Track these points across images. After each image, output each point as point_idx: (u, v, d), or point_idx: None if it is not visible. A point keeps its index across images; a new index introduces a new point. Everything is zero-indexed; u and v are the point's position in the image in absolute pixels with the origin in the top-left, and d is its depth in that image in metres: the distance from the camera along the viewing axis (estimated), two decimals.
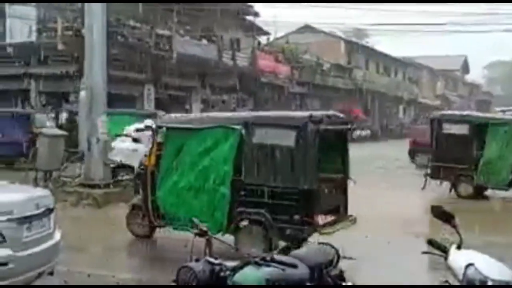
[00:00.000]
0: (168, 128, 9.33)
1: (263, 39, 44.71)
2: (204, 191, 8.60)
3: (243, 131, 8.52)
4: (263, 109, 40.40)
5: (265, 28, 41.84)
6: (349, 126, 9.57)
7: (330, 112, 9.66)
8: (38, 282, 6.52)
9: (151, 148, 9.48)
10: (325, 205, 8.63)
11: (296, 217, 8.14)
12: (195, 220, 4.64)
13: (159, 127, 9.55)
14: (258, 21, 38.78)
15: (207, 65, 32.00)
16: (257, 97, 39.51)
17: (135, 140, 15.78)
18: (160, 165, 9.09)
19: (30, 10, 25.16)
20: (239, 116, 9.81)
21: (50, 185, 13.62)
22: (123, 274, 7.97)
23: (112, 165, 14.17)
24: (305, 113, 8.97)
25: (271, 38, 47.29)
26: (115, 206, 13.06)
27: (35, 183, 13.76)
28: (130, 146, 15.68)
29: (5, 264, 5.85)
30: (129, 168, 14.59)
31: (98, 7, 14.27)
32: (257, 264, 4.19)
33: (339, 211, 9.08)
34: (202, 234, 4.46)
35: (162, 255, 9.21)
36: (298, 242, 5.21)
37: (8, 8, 25.38)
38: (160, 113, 17.80)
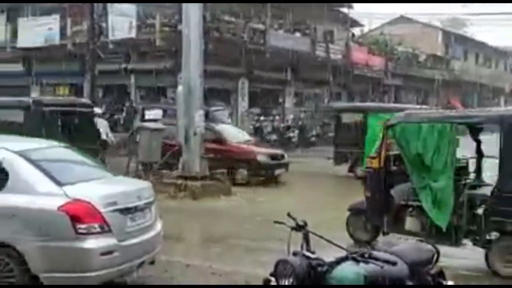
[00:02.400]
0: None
1: (357, 31, 44.17)
2: None
3: None
4: (357, 101, 40.13)
5: (359, 20, 41.27)
6: None
7: None
8: (140, 271, 6.81)
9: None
10: None
11: None
12: (290, 216, 4.66)
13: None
14: (352, 13, 38.32)
15: (300, 58, 31.95)
16: (350, 90, 39.09)
17: None
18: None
19: (130, 8, 26.06)
20: None
21: (150, 176, 14.10)
22: (220, 264, 8.14)
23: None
24: None
25: (365, 29, 46.59)
26: (211, 198, 13.42)
27: (136, 175, 14.31)
28: None
29: (110, 252, 6.14)
30: None
31: (194, 4, 14.59)
32: (355, 260, 4.17)
33: None
34: (299, 228, 4.49)
35: (259, 246, 9.31)
36: None
37: (110, 6, 26.40)
38: None
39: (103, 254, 6.09)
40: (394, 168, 9.08)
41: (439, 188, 8.24)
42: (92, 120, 13.85)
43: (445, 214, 8.15)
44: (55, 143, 7.45)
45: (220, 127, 18.26)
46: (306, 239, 4.42)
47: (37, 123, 11.89)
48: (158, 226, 7.09)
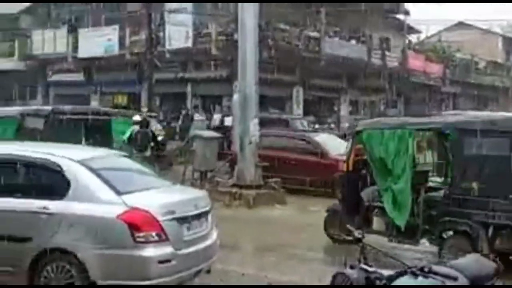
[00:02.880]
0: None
1: (413, 38, 43.52)
2: None
3: None
4: (413, 109, 39.50)
5: (416, 26, 40.64)
6: None
7: None
8: (196, 280, 6.86)
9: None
10: None
11: None
12: (349, 227, 4.62)
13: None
14: (408, 19, 37.77)
15: (356, 65, 31.71)
16: (407, 97, 38.52)
17: None
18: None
19: (187, 18, 26.45)
20: None
21: (206, 185, 14.23)
22: (275, 274, 8.12)
23: None
24: None
25: (422, 36, 45.85)
26: (266, 207, 13.41)
27: (192, 183, 14.47)
28: None
29: (168, 261, 6.22)
30: None
31: (250, 13, 14.68)
32: (414, 274, 4.08)
33: None
34: (356, 241, 4.44)
35: (314, 257, 9.25)
36: None
37: (167, 16, 26.87)
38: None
39: (160, 262, 6.17)
40: (364, 171, 9.58)
41: (398, 190, 8.79)
42: (108, 127, 14.32)
43: (404, 215, 8.75)
44: (114, 152, 7.61)
45: (319, 137, 16.34)
46: (363, 252, 4.36)
47: (55, 130, 12.52)
48: (214, 235, 7.14)
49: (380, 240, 8.81)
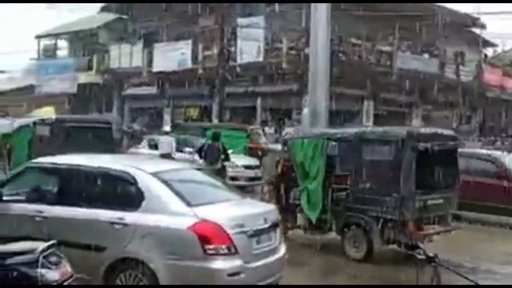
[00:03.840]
0: None
1: (489, 52, 42.26)
2: None
3: None
4: (488, 125, 38.31)
5: (491, 40, 39.48)
6: None
7: None
8: None
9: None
10: None
11: None
12: (421, 245, 4.54)
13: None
14: (484, 33, 36.75)
15: (428, 80, 31.10)
16: (482, 112, 37.42)
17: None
18: None
19: (258, 32, 26.70)
20: None
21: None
22: None
23: None
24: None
25: (498, 50, 44.45)
26: None
27: (263, 197, 14.56)
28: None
29: (237, 274, 6.28)
30: None
31: (322, 27, 14.73)
32: None
33: None
34: (429, 260, 4.36)
35: (385, 274, 9.08)
36: None
37: (239, 31, 27.22)
38: None
39: (230, 275, 6.24)
40: (293, 174, 10.96)
41: (312, 190, 10.33)
42: (109, 135, 15.11)
43: (316, 211, 10.32)
44: (187, 165, 7.77)
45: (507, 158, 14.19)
46: (436, 272, 4.28)
47: (59, 137, 13.58)
48: (282, 249, 7.16)
49: (299, 232, 10.78)
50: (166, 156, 16.75)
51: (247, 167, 18.46)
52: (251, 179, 18.31)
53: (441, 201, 9.94)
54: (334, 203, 10.13)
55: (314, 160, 10.44)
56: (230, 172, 16.92)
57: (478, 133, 37.53)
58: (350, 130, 11.10)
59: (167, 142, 18.22)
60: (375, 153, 10.11)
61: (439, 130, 10.96)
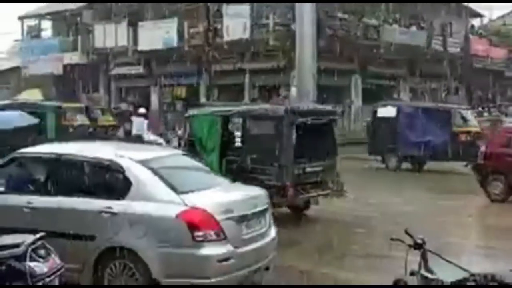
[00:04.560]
0: None
1: (476, 22, 42.19)
2: None
3: None
4: (476, 95, 38.41)
5: (479, 10, 39.41)
6: None
7: None
8: (255, 277, 6.90)
9: None
10: None
11: None
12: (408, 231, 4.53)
13: None
14: (471, 4, 36.67)
15: (416, 52, 31.08)
16: (469, 83, 37.51)
17: None
18: None
19: (244, 9, 26.47)
20: None
21: None
22: (332, 270, 8.10)
23: None
24: None
25: (485, 20, 44.38)
26: (322, 200, 13.29)
27: None
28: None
29: (227, 259, 6.29)
30: None
31: (307, 2, 14.59)
32: (477, 282, 4.00)
33: None
34: (416, 246, 4.36)
35: (374, 252, 9.15)
36: None
37: (225, 8, 26.97)
38: None
39: (220, 261, 6.25)
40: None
41: (210, 161, 10.74)
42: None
43: None
44: (175, 151, 7.74)
45: None
46: (424, 258, 4.29)
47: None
48: (273, 232, 7.16)
49: None
50: (138, 137, 16.76)
51: None
52: None
53: (320, 168, 11.24)
54: (228, 172, 10.41)
55: (210, 134, 11.51)
56: None
57: (466, 103, 37.65)
58: (240, 108, 12.47)
59: (137, 122, 18.25)
60: (260, 128, 11.52)
61: (318, 106, 12.88)
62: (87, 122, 21.97)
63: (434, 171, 19.18)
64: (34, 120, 14.72)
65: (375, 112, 20.63)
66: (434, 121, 18.95)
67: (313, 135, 11.18)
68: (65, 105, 22.06)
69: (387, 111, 19.99)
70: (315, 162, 11.20)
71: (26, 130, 13.53)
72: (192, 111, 12.81)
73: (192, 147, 11.58)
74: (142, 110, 22.44)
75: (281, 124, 10.90)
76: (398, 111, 19.66)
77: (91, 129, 20.85)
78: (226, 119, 11.58)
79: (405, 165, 19.73)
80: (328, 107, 13.56)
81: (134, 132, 18.21)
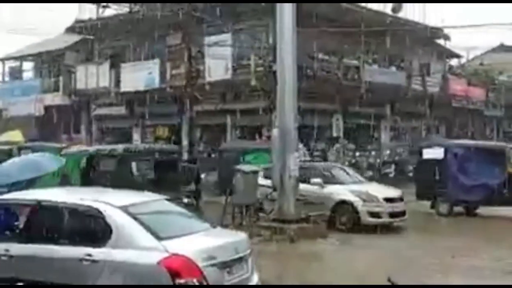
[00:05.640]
0: None
1: (454, 62, 43.02)
2: None
3: None
4: (456, 134, 38.85)
5: (456, 51, 40.18)
6: None
7: None
8: None
9: None
10: None
11: None
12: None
13: None
14: (448, 44, 37.36)
15: (396, 92, 31.48)
16: (449, 122, 38.01)
17: None
18: None
19: (226, 50, 26.73)
20: None
21: (247, 219, 14.21)
22: None
23: None
24: None
25: (463, 60, 45.28)
26: (307, 242, 13.29)
27: (232, 218, 14.51)
28: None
29: None
30: None
31: (289, 43, 14.74)
32: None
33: None
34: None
35: None
36: None
37: (207, 49, 27.21)
38: None
39: None
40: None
41: None
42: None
43: None
44: (156, 196, 7.68)
45: None
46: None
47: None
48: (255, 278, 7.10)
49: None
50: None
51: (388, 199, 15.57)
52: (393, 215, 15.51)
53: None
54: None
55: (73, 170, 14.14)
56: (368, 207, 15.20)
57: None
58: (91, 148, 16.76)
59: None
60: (106, 165, 14.21)
61: (163, 146, 17.57)
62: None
63: (488, 216, 17.87)
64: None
65: (420, 153, 19.68)
66: (487, 161, 17.71)
67: (161, 170, 14.19)
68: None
69: (434, 152, 18.96)
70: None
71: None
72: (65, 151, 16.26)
73: None
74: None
75: (120, 161, 14.00)
76: (446, 152, 18.56)
77: None
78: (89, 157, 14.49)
79: (456, 208, 18.54)
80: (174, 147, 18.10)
81: None
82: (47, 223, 6.94)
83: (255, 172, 15.55)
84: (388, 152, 31.73)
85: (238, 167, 15.62)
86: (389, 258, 11.84)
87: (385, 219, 15.28)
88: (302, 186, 14.73)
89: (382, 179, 26.58)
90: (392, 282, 4.44)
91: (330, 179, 16.33)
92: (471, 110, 38.95)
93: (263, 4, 24.40)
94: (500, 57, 46.01)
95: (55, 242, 6.67)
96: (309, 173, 16.09)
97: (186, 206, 9.70)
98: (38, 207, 6.94)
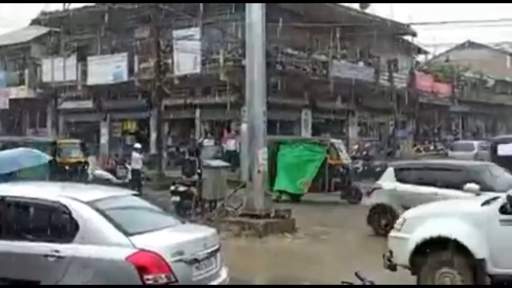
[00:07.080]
0: None
1: (421, 58, 43.56)
2: None
3: None
4: (423, 129, 39.40)
5: (423, 47, 40.69)
6: None
7: None
8: None
9: None
10: None
11: None
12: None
13: None
14: (416, 41, 37.84)
15: (364, 87, 31.77)
16: (416, 117, 38.50)
17: None
18: None
19: (195, 44, 26.60)
20: None
21: (215, 214, 14.19)
22: None
23: None
24: None
25: (430, 56, 45.88)
26: (275, 236, 13.32)
27: (202, 213, 14.47)
28: None
29: None
30: None
31: (258, 38, 14.68)
32: None
33: None
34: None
35: None
36: None
37: (175, 43, 27.05)
38: None
39: None
40: None
41: None
42: None
43: None
44: (124, 191, 7.60)
45: None
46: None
47: None
48: (224, 273, 7.08)
49: None
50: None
51: None
52: None
53: None
54: None
55: None
56: None
57: (413, 138, 38.59)
58: None
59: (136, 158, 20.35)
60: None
61: None
62: (82, 159, 22.66)
63: None
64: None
65: (495, 149, 17.59)
66: None
67: None
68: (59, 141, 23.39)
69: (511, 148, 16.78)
70: None
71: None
72: None
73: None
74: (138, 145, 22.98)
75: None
76: None
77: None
78: None
79: None
80: None
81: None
82: (11, 219, 6.79)
83: (224, 168, 15.53)
84: (355, 147, 31.99)
85: (207, 162, 15.57)
86: None
87: None
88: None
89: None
90: (359, 276, 4.47)
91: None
92: (438, 106, 39.54)
93: None
94: (466, 53, 46.80)
95: (20, 238, 6.53)
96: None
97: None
98: (3, 203, 6.79)
